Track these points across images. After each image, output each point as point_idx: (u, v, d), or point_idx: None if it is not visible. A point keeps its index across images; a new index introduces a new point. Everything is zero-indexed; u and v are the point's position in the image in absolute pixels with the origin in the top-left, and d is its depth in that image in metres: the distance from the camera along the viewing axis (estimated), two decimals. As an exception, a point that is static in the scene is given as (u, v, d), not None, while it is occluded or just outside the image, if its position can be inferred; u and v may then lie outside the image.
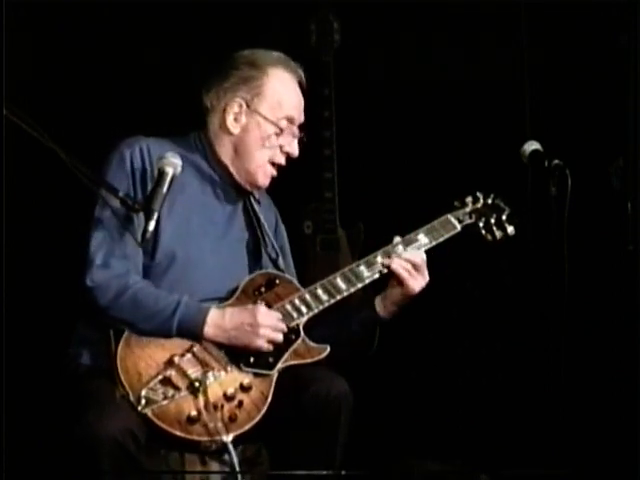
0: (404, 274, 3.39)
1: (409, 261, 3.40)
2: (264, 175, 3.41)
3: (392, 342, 4.53)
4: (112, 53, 4.50)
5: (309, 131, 3.47)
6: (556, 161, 3.43)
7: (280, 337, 3.27)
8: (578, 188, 3.38)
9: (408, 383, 4.65)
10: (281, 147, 3.39)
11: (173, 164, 3.19)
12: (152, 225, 3.12)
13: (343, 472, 3.29)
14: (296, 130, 3.41)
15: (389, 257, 3.43)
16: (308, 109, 3.50)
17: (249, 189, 3.46)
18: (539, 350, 3.95)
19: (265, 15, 4.57)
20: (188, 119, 3.53)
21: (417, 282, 3.41)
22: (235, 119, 3.39)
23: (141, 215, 3.16)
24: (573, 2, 4.34)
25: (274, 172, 3.42)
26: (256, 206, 3.52)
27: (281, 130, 3.38)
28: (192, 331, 3.22)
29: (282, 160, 3.41)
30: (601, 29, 4.38)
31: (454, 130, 4.64)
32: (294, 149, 3.41)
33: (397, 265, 3.40)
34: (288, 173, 3.48)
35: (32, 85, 4.33)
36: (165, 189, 3.15)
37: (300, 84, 3.44)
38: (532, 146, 3.52)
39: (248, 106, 3.37)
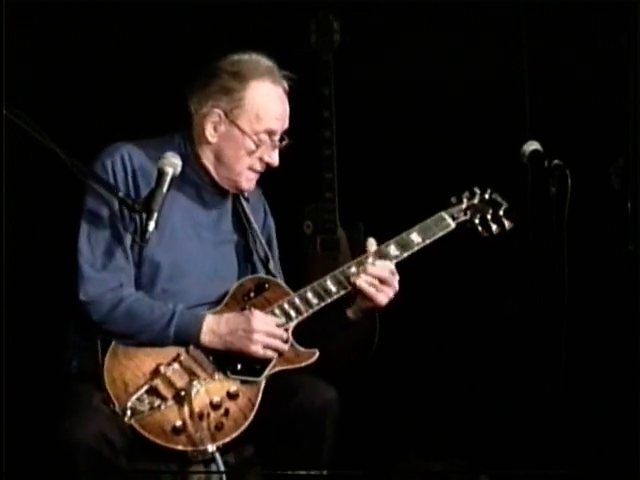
0: (370, 290, 3.36)
1: (376, 276, 3.37)
2: (247, 180, 3.39)
3: (393, 341, 4.53)
4: (112, 53, 4.50)
5: (309, 131, 3.47)
6: (556, 161, 3.43)
7: (276, 342, 3.26)
8: (578, 188, 3.38)
9: (409, 382, 4.65)
10: (260, 158, 3.37)
11: (173, 164, 3.20)
12: (152, 225, 3.12)
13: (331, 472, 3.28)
14: (277, 141, 3.37)
15: (382, 256, 3.41)
16: (308, 109, 3.49)
17: (234, 192, 3.45)
18: (539, 350, 3.94)
19: (265, 15, 4.57)
20: (188, 119, 3.54)
21: (384, 296, 3.37)
22: (214, 128, 3.37)
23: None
24: (573, 2, 4.34)
25: (256, 176, 3.41)
26: (245, 205, 3.51)
27: (260, 142, 3.35)
28: (189, 338, 3.23)
29: (262, 169, 3.39)
30: (601, 29, 4.38)
31: (454, 130, 4.64)
32: (274, 159, 3.38)
33: (363, 282, 3.36)
34: (288, 173, 3.48)
35: (32, 85, 4.33)
36: (165, 189, 3.16)
37: (286, 92, 3.40)
38: (532, 146, 3.51)
39: (227, 116, 3.35)
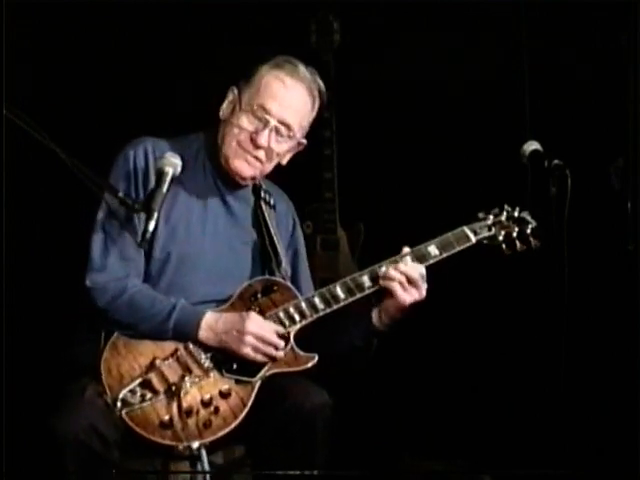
0: (395, 286, 3.35)
1: (404, 274, 3.36)
2: (236, 157, 3.34)
3: (394, 341, 4.53)
4: (112, 53, 4.50)
5: (309, 131, 3.47)
6: (556, 161, 3.42)
7: (267, 348, 3.26)
8: (578, 188, 3.38)
9: (410, 382, 4.65)
10: (250, 133, 3.33)
11: (173, 164, 3.20)
12: (152, 225, 3.13)
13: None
14: (272, 123, 3.32)
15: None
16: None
17: (233, 175, 3.40)
18: (540, 350, 3.94)
19: (265, 15, 4.57)
20: (190, 119, 3.53)
21: (409, 295, 3.36)
22: (227, 106, 3.40)
23: (142, 216, 3.17)
24: (573, 2, 4.34)
25: (248, 157, 3.35)
26: (268, 210, 3.50)
27: (252, 115, 3.33)
28: (187, 334, 3.24)
29: (250, 147, 3.34)
30: (601, 29, 4.38)
31: (454, 130, 4.64)
32: (261, 138, 3.32)
33: (389, 277, 3.36)
34: (288, 173, 3.48)
35: (32, 85, 4.33)
36: (165, 189, 3.16)
37: (308, 93, 3.39)
38: (532, 146, 3.51)
39: (239, 94, 3.38)
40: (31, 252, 4.31)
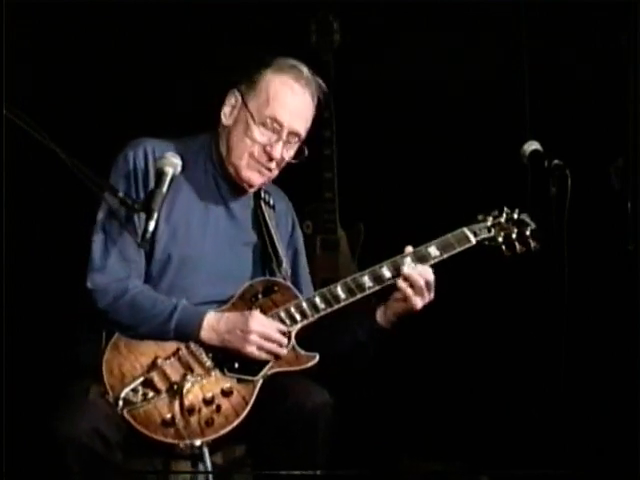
0: (408, 290, 3.34)
1: (422, 277, 3.35)
2: (247, 168, 3.36)
3: (394, 342, 4.53)
4: (112, 53, 4.50)
5: (309, 131, 3.47)
6: (556, 161, 3.43)
7: (272, 346, 3.26)
8: (578, 188, 3.38)
9: (410, 384, 4.65)
10: (264, 146, 3.35)
11: (173, 164, 3.20)
12: (152, 225, 3.12)
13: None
14: (284, 135, 3.34)
15: (396, 269, 3.38)
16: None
17: (241, 183, 3.42)
18: (540, 350, 3.94)
19: (265, 15, 4.57)
20: (190, 119, 3.53)
21: (422, 299, 3.35)
22: (230, 111, 3.39)
23: (142, 216, 3.17)
24: (573, 2, 4.34)
25: (261, 169, 3.37)
26: (267, 211, 3.50)
27: (263, 127, 3.33)
28: (188, 334, 3.24)
29: (261, 158, 3.35)
30: (601, 29, 4.38)
31: (454, 130, 4.64)
32: (275, 151, 3.34)
33: (413, 280, 3.34)
34: (288, 173, 3.48)
35: (32, 85, 4.33)
36: (165, 189, 3.16)
37: (312, 98, 3.39)
38: (532, 146, 3.51)
39: (243, 98, 3.36)
40: (32, 253, 4.32)
